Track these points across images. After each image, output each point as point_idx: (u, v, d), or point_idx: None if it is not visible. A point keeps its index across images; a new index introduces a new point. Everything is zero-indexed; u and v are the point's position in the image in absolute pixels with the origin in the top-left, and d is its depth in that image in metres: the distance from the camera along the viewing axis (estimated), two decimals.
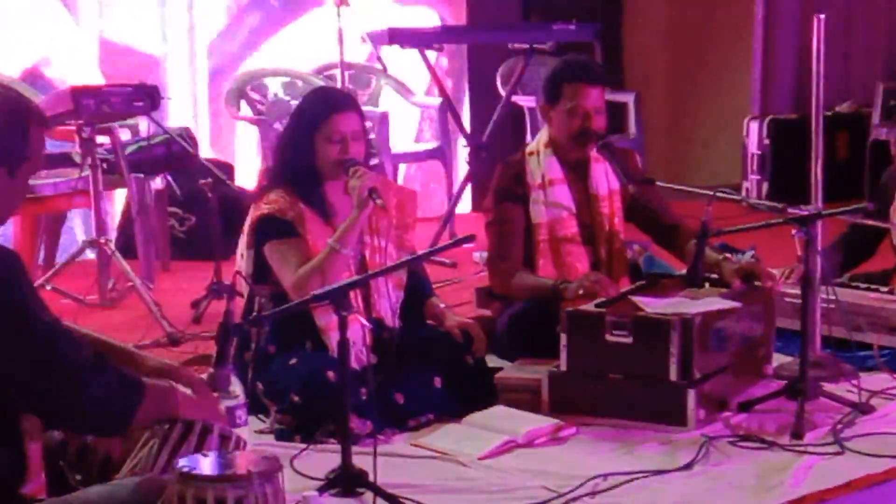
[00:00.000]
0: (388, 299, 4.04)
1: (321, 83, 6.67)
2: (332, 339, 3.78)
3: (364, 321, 3.90)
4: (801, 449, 3.66)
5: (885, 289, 4.71)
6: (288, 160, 4.09)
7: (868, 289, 4.74)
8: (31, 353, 2.48)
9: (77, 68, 6.76)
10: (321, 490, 3.27)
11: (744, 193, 7.97)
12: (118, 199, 6.56)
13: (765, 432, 3.80)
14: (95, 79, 6.65)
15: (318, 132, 4.01)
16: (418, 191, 4.71)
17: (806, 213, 4.10)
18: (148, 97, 5.31)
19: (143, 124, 6.04)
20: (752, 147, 8.32)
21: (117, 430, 2.66)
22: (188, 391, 2.79)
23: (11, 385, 2.48)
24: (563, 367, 3.96)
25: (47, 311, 2.58)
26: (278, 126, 6.57)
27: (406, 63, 7.38)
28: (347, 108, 4.07)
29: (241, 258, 4.07)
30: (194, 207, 6.58)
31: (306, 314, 3.89)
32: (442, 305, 4.20)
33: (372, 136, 5.96)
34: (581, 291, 4.20)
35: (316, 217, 4.01)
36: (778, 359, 4.45)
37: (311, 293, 3.41)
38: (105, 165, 5.43)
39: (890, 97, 8.05)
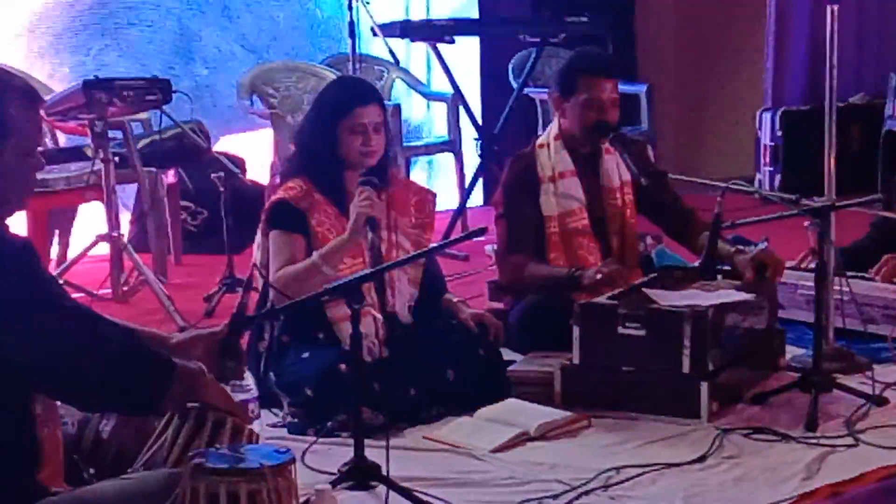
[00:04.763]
0: (402, 295, 4.04)
1: (333, 76, 6.66)
2: (343, 330, 3.79)
3: (377, 314, 3.90)
4: (815, 441, 3.65)
5: None
6: (309, 148, 4.09)
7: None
8: (57, 338, 2.46)
9: None
10: (334, 483, 3.27)
11: (756, 185, 7.96)
12: (130, 194, 6.56)
13: (778, 425, 3.79)
14: None
15: (342, 122, 4.00)
16: (429, 185, 4.70)
17: (819, 204, 4.10)
18: (160, 91, 5.31)
19: (156, 118, 6.04)
20: (765, 139, 8.30)
21: (148, 410, 2.64)
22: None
23: (38, 370, 2.47)
24: (576, 360, 3.96)
25: (68, 297, 2.57)
26: (290, 120, 6.57)
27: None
28: (372, 99, 4.07)
29: (257, 248, 4.07)
30: (206, 201, 6.59)
31: (319, 306, 3.88)
32: (456, 300, 4.20)
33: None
34: (599, 277, 4.19)
35: (331, 207, 4.01)
36: (791, 351, 4.44)
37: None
38: (117, 159, 5.43)
39: None
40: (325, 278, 3.82)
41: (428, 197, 4.27)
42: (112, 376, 2.51)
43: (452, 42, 6.92)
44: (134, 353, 2.57)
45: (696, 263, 4.40)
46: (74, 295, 5.22)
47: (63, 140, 6.21)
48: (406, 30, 6.85)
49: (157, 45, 7.09)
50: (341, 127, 4.01)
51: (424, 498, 3.24)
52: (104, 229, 5.36)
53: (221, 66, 7.31)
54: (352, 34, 6.24)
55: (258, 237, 4.06)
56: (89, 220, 6.13)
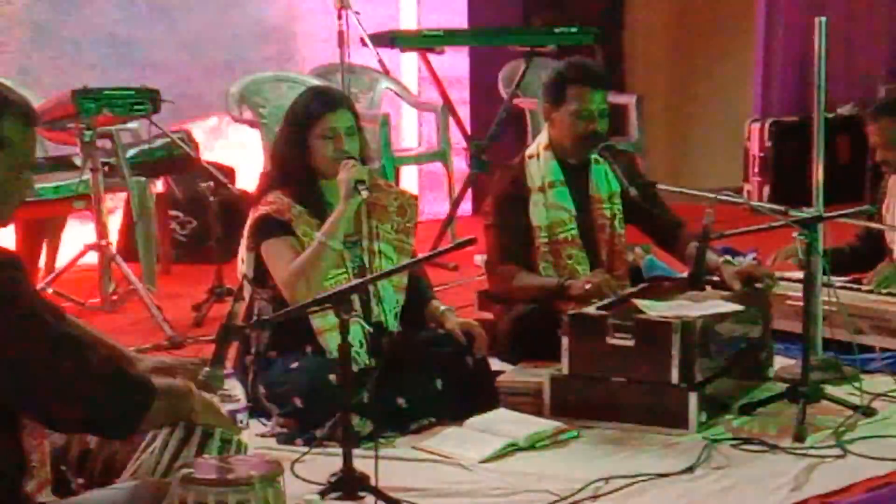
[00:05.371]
0: (387, 303, 4.04)
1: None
2: (329, 341, 3.79)
3: (364, 324, 3.90)
4: (803, 452, 3.66)
5: (885, 290, 4.70)
6: (284, 161, 4.10)
7: (870, 291, 4.73)
8: (34, 357, 2.46)
9: None
10: (323, 494, 3.27)
11: (745, 196, 7.96)
12: (119, 203, 6.55)
13: (766, 435, 3.80)
14: None
15: (312, 131, 4.01)
16: (419, 194, 4.69)
17: (807, 215, 4.10)
18: (149, 100, 5.30)
19: (145, 127, 6.03)
20: (754, 149, 8.32)
21: (123, 433, 2.64)
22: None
23: (12, 388, 2.47)
24: (565, 370, 3.96)
25: (51, 314, 2.56)
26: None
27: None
28: (339, 106, 4.07)
29: (242, 262, 4.07)
30: (195, 210, 6.58)
31: (304, 317, 3.88)
32: (443, 308, 4.19)
33: (374, 140, 5.96)
34: (588, 287, 4.19)
35: (312, 218, 4.01)
36: (780, 361, 4.45)
37: (305, 293, 3.38)
38: (106, 169, 5.43)
39: None
40: (333, 255, 3.86)
41: (410, 200, 4.27)
42: (89, 403, 2.49)
43: (442, 52, 6.93)
44: (113, 380, 2.54)
45: (685, 274, 4.41)
46: (63, 305, 5.23)
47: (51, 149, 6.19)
48: (396, 40, 6.86)
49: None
50: (312, 136, 4.01)
51: None
52: (93, 239, 5.35)
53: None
54: (340, 44, 6.24)
55: (242, 251, 4.06)
56: (78, 229, 6.12)
